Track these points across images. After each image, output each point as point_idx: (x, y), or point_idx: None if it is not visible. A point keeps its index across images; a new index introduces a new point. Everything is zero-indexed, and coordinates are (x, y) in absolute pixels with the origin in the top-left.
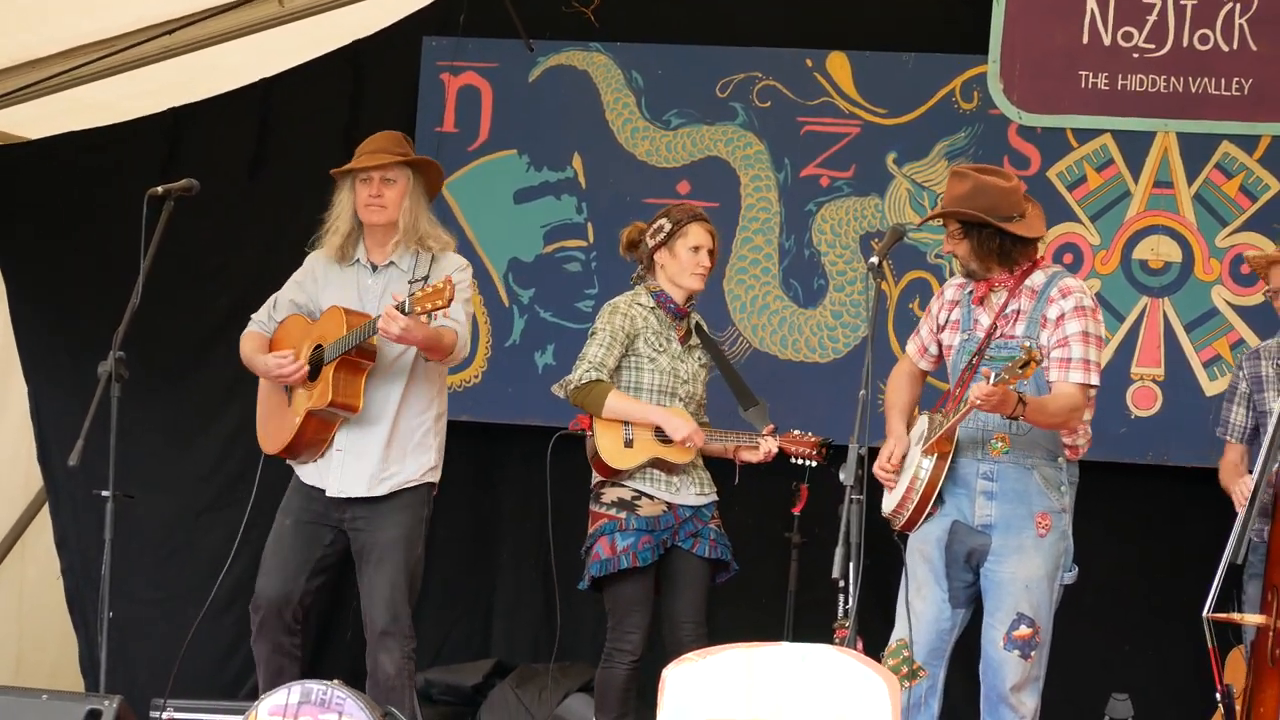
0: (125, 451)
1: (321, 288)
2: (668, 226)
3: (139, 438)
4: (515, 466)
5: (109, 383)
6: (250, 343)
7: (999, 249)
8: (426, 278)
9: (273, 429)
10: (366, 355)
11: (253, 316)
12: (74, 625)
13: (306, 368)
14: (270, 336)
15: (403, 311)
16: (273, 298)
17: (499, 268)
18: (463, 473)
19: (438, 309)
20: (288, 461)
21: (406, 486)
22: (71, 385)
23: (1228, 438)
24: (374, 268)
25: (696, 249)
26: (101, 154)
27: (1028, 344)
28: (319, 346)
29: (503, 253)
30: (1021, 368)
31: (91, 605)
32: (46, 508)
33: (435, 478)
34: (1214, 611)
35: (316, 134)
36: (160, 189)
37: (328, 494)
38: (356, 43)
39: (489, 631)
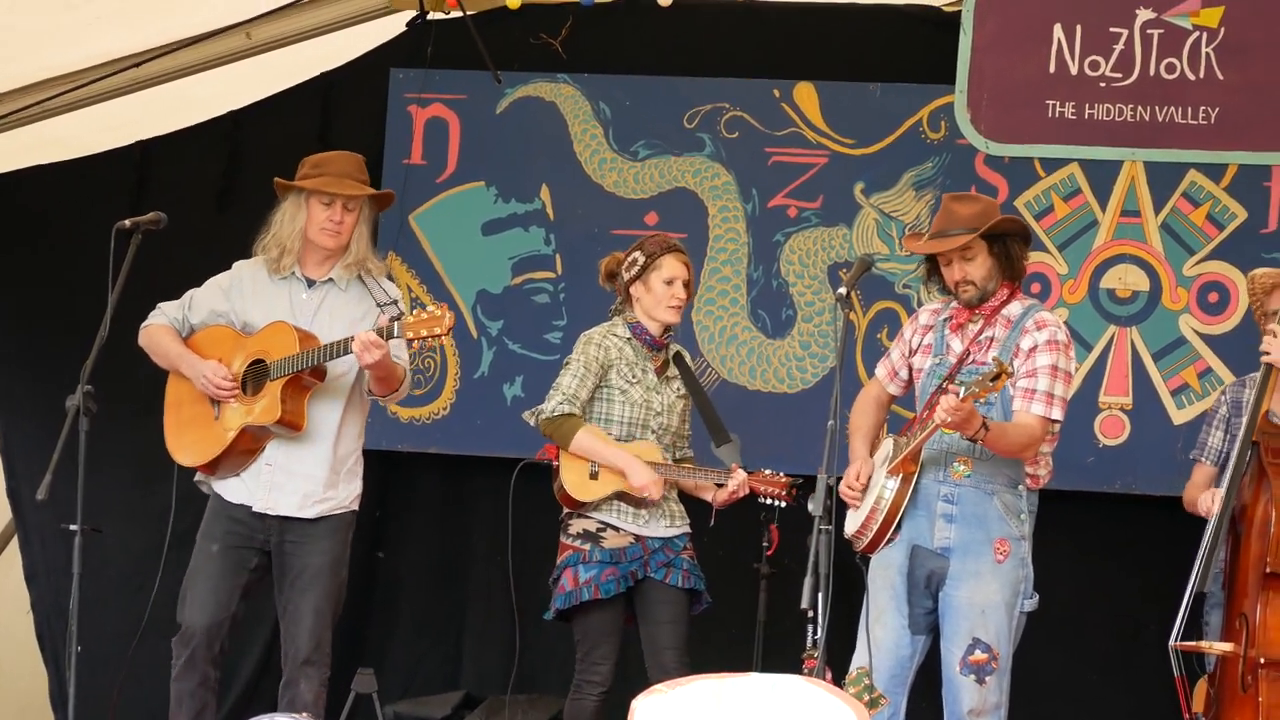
0: (94, 485)
1: (250, 299)
2: (641, 259)
3: (108, 471)
4: (484, 498)
5: (77, 416)
6: (166, 336)
7: (1016, 262)
8: (395, 301)
9: (193, 440)
10: (317, 374)
11: (163, 308)
12: (44, 659)
13: (239, 390)
14: (182, 335)
15: (390, 335)
16: (188, 296)
17: (467, 299)
18: (432, 504)
19: (435, 337)
20: (203, 477)
21: (337, 513)
22: (40, 418)
23: (1201, 459)
24: (310, 283)
25: (670, 281)
26: (70, 188)
27: (997, 358)
28: (259, 361)
29: (471, 284)
30: (992, 380)
31: (61, 639)
32: (15, 541)
33: (357, 505)
34: (1181, 640)
35: (285, 166)
36: (128, 222)
37: (254, 509)
38: (325, 74)
39: (458, 663)
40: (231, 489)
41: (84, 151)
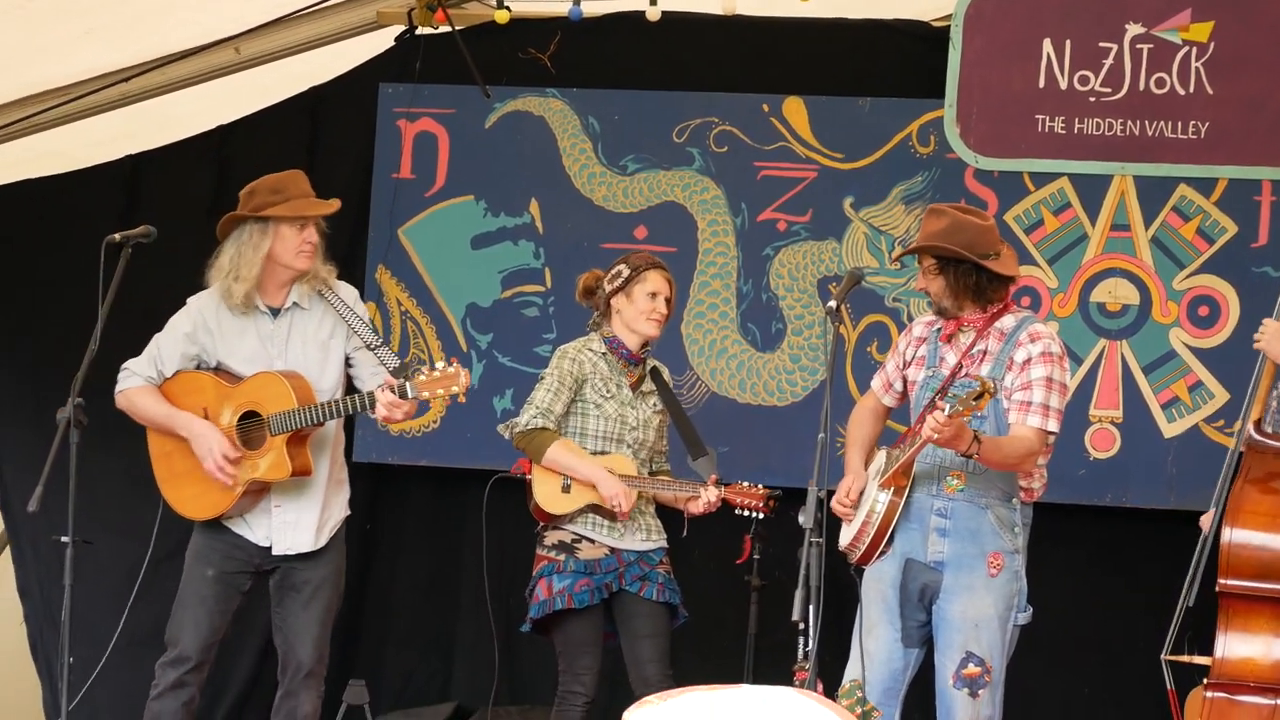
0: (87, 497)
1: (218, 337)
2: (626, 272)
3: (101, 483)
4: (474, 510)
5: (68, 428)
6: (148, 397)
7: (974, 285)
8: (384, 341)
9: (195, 494)
10: (318, 423)
11: (133, 368)
12: (38, 671)
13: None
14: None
15: (403, 395)
16: (155, 348)
17: (457, 313)
18: (422, 517)
19: (451, 395)
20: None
21: (339, 529)
22: (32, 432)
23: None
24: (274, 312)
25: (654, 295)
26: (59, 202)
27: (982, 377)
28: (252, 413)
29: (460, 298)
30: (975, 399)
31: (54, 650)
32: (8, 553)
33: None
34: (1172, 653)
35: None
36: (118, 236)
37: (274, 551)
38: (313, 89)
39: (450, 674)
40: (238, 527)
41: (74, 166)
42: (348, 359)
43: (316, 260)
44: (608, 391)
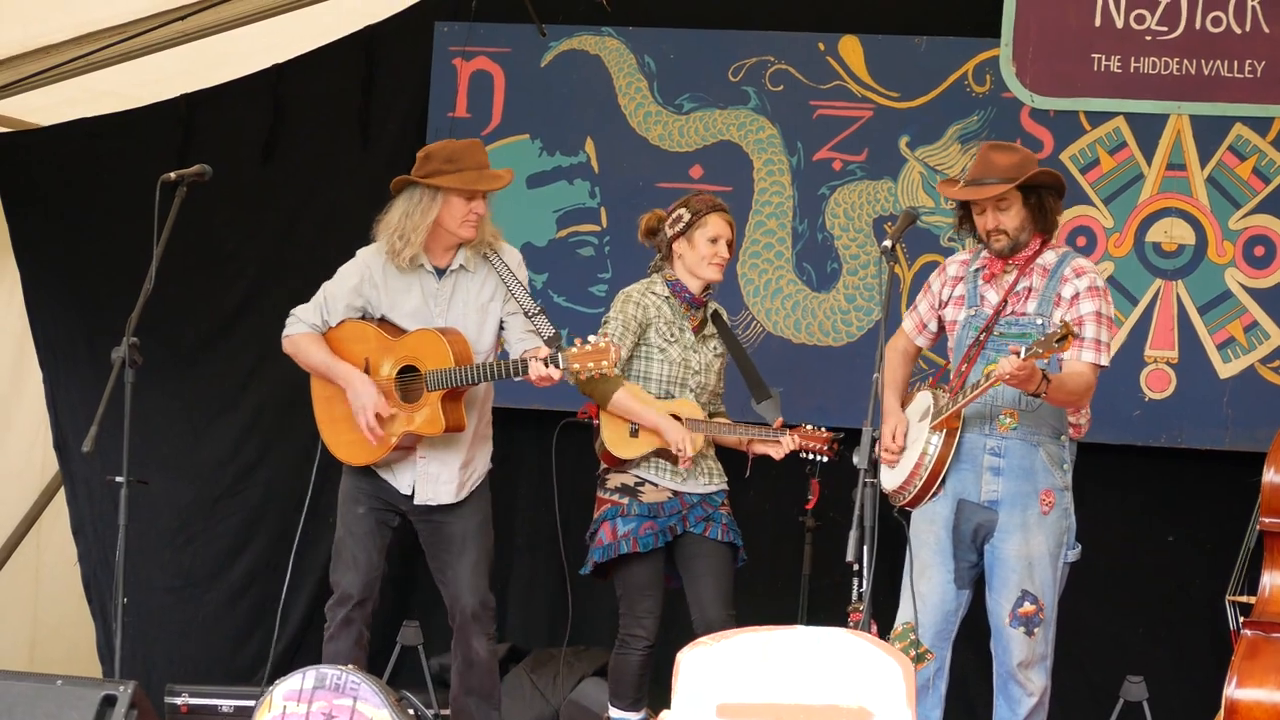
0: (142, 437)
1: (383, 291)
2: (686, 216)
3: (156, 423)
4: (529, 451)
5: (123, 368)
6: (313, 345)
7: (1053, 217)
8: (542, 309)
9: (351, 441)
10: (472, 383)
11: (299, 315)
12: (91, 611)
13: (394, 413)
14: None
15: (557, 365)
16: (322, 297)
17: None
18: None
19: (601, 370)
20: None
21: (481, 483)
22: (87, 371)
23: None
24: (439, 272)
25: (715, 240)
26: (115, 140)
27: (1064, 320)
28: (410, 369)
29: (516, 238)
30: (1058, 342)
31: (108, 591)
32: (62, 493)
33: (491, 462)
34: (1235, 593)
35: (330, 119)
36: (173, 174)
37: (415, 500)
38: (369, 28)
39: (504, 616)
40: (383, 472)
41: (129, 105)
42: (501, 322)
43: (483, 227)
44: (671, 336)
